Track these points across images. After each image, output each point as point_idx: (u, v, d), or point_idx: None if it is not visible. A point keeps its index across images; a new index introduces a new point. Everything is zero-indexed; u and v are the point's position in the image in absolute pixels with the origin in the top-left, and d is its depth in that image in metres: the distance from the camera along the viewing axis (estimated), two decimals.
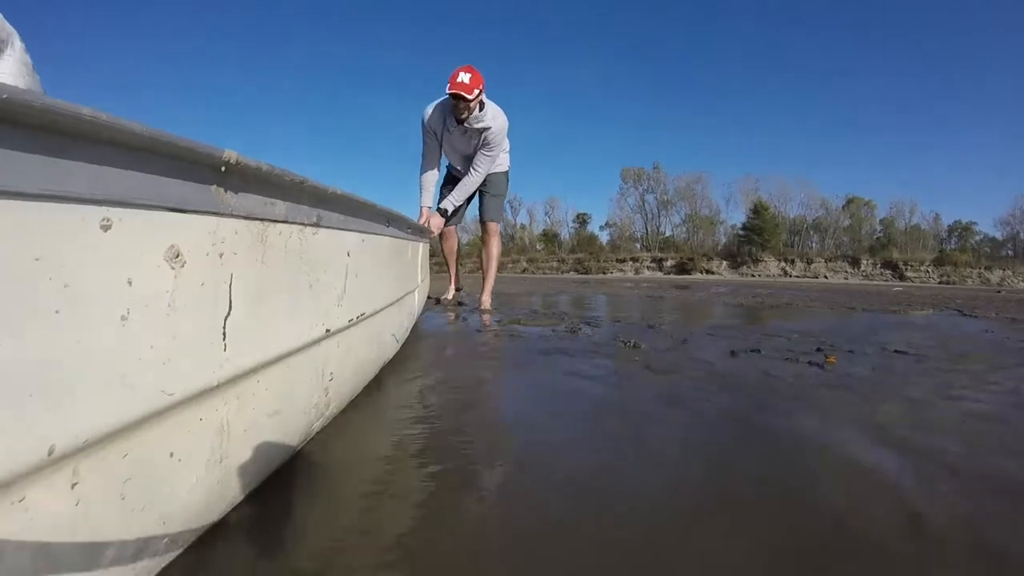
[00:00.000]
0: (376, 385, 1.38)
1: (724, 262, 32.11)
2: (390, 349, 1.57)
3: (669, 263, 32.81)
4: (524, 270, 31.24)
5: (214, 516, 0.63)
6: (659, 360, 1.83)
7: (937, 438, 1.10)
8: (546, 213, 42.02)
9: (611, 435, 1.09)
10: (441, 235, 3.39)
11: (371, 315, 1.19)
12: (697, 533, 0.71)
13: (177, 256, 0.52)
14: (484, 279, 3.53)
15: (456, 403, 1.30)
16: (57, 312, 0.39)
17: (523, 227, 42.02)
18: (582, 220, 40.90)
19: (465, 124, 2.95)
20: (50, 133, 0.38)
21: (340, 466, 0.91)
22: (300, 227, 0.77)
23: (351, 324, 1.02)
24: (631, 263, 33.60)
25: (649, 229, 38.81)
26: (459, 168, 3.29)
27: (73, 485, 0.41)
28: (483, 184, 3.28)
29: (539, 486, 0.84)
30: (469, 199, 3.35)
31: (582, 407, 1.29)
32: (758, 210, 33.52)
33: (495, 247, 3.49)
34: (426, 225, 2.93)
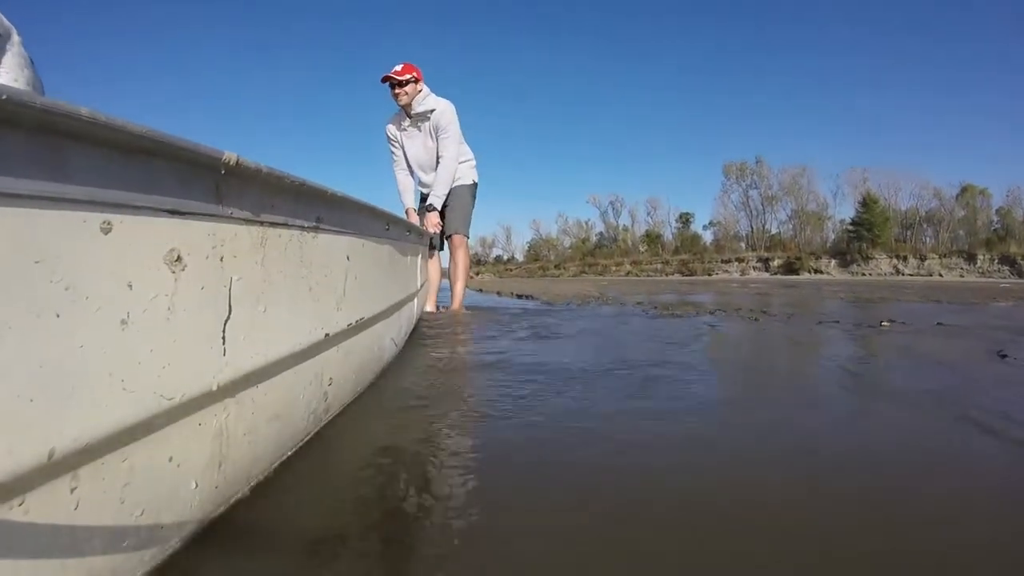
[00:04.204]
0: (374, 388, 1.37)
1: (833, 260, 30.47)
2: (389, 353, 1.57)
3: (776, 263, 31.31)
4: (628, 273, 30.05)
5: (212, 519, 0.63)
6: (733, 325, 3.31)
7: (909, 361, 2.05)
8: (648, 213, 40.01)
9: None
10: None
11: (371, 319, 1.18)
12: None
13: (177, 259, 0.52)
14: (452, 293, 3.57)
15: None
16: (58, 315, 0.39)
17: (625, 229, 39.89)
18: (685, 220, 38.76)
19: (412, 113, 3.19)
20: (49, 134, 0.38)
21: (338, 469, 0.91)
22: (300, 230, 0.77)
23: (351, 329, 1.02)
24: (736, 263, 32.23)
25: (754, 227, 36.31)
26: (427, 184, 3.44)
27: (73, 489, 0.41)
28: (446, 201, 3.38)
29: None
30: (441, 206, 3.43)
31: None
32: (867, 203, 31.13)
33: (461, 259, 3.55)
34: (423, 225, 2.97)
